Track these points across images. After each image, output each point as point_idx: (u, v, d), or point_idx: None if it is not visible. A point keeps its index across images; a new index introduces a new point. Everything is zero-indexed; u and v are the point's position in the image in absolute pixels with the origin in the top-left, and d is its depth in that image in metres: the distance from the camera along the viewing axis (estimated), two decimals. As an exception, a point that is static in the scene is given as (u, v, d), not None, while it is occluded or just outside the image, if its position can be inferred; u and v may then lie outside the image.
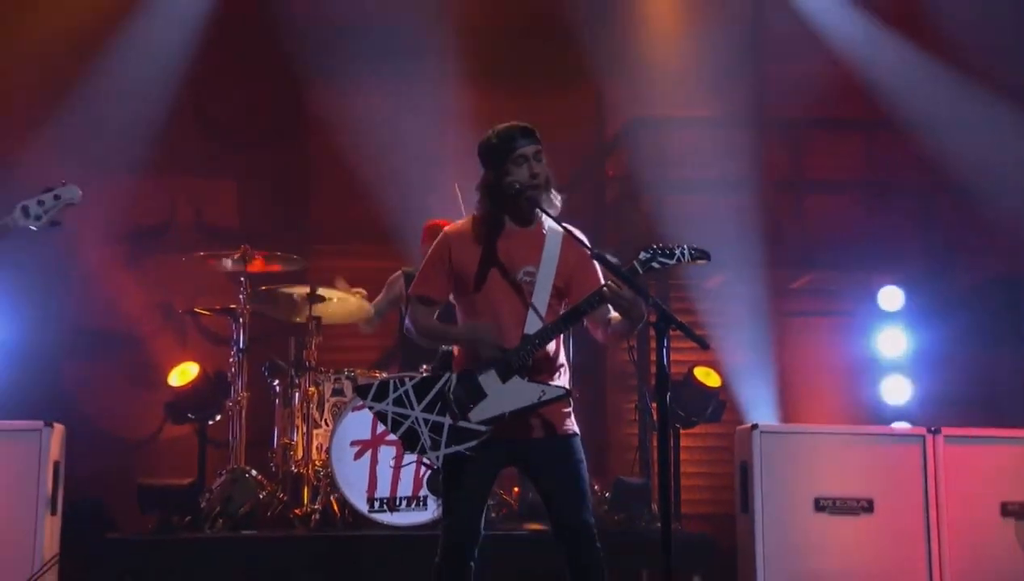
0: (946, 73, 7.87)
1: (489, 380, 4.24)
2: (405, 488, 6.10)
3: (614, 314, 4.29)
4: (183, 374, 7.29)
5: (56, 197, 4.28)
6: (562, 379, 4.36)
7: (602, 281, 4.23)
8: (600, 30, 8.47)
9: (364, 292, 6.99)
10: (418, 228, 6.92)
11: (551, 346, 4.33)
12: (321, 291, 6.81)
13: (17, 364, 7.51)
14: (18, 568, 5.81)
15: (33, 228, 4.39)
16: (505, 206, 4.36)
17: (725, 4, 8.53)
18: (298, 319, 6.95)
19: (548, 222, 4.37)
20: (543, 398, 4.23)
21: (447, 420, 4.26)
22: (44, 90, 8.05)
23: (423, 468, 4.43)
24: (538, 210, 4.36)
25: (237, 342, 6.87)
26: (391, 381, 4.36)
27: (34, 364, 7.67)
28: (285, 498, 6.58)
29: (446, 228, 4.61)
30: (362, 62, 8.10)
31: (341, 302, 6.95)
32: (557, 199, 4.40)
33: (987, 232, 7.85)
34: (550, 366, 4.34)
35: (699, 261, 4.23)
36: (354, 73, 8.10)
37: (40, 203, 4.29)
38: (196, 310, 7.26)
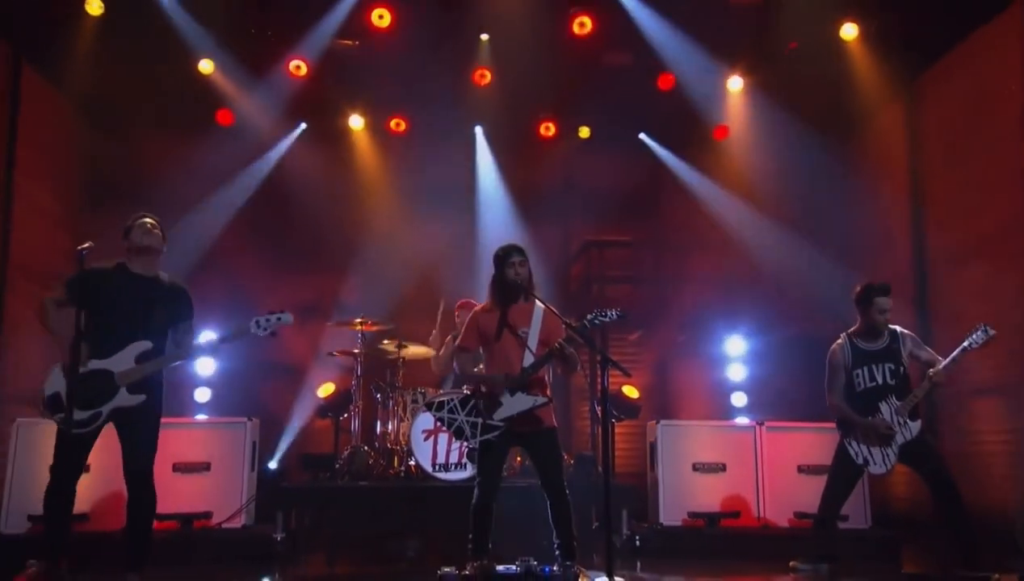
0: (769, 220, 7.76)
1: (503, 395, 4.26)
2: (454, 458, 6.06)
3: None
4: (326, 389, 7.41)
5: (278, 318, 4.03)
6: (546, 393, 4.36)
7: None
8: (564, 194, 8.46)
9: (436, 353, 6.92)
10: (454, 304, 6.85)
11: (540, 374, 4.32)
12: (403, 351, 6.81)
13: (233, 382, 7.56)
14: (232, 502, 5.86)
15: (260, 335, 4.13)
16: (504, 292, 4.38)
17: (641, 175, 8.45)
18: (390, 357, 6.91)
19: (537, 301, 4.39)
20: (535, 405, 4.26)
21: (480, 420, 4.29)
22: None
23: (465, 447, 4.41)
24: (532, 294, 4.38)
25: (357, 371, 6.83)
26: (445, 399, 4.40)
27: (243, 382, 7.67)
28: (384, 463, 6.54)
29: (475, 309, 4.59)
30: (432, 208, 8.03)
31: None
32: (537, 289, 4.43)
33: (790, 308, 7.72)
34: (540, 385, 4.35)
35: (622, 318, 4.23)
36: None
37: (267, 320, 4.02)
38: (333, 352, 7.18)
